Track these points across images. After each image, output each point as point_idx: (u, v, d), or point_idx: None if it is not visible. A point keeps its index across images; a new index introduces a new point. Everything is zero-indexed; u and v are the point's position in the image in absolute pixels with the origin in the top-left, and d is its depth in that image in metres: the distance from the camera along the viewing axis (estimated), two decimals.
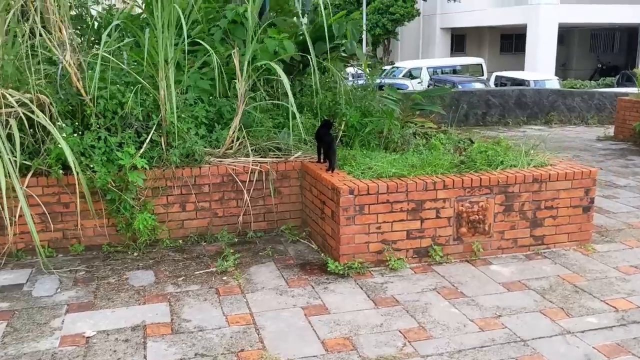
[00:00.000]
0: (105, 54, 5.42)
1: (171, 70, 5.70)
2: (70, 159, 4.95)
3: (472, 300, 4.43)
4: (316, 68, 7.45)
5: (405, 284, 4.72)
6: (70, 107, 5.45)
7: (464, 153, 5.66)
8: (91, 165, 5.16)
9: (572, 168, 5.40)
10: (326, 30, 7.66)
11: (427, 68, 28.63)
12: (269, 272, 4.98)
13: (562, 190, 5.31)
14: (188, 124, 5.66)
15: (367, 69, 8.63)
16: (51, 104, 5.25)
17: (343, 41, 8.19)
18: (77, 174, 4.96)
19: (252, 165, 5.72)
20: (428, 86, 24.69)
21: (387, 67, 30.93)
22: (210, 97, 6.14)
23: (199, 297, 4.49)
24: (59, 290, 4.64)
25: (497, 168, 5.36)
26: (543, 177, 5.23)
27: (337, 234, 4.94)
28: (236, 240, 5.76)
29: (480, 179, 5.10)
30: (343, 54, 8.46)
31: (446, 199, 5.07)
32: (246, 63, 5.76)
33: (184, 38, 5.16)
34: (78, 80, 5.35)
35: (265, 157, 5.90)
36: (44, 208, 5.23)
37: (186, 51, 5.60)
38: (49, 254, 5.35)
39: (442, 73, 28.77)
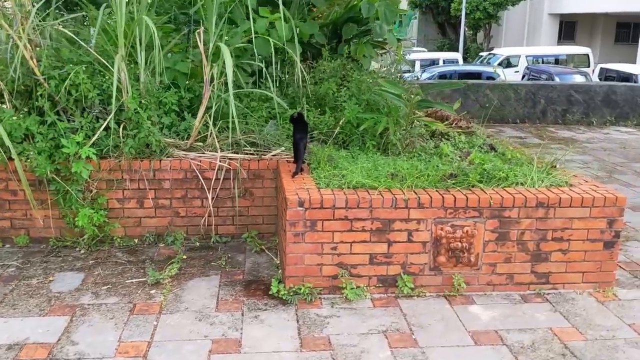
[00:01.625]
0: (63, 29, 4.93)
1: (140, 49, 5.12)
2: (7, 143, 4.52)
3: (422, 354, 3.53)
4: (327, 53, 6.67)
5: (353, 321, 3.89)
6: (24, 88, 4.99)
7: (462, 164, 4.67)
8: (30, 152, 4.68)
9: (592, 192, 4.28)
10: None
11: (526, 56, 26.62)
12: (207, 288, 4.31)
13: (577, 219, 4.22)
14: (150, 112, 5.06)
15: (403, 57, 7.67)
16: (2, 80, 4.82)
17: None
18: (14, 160, 4.53)
19: (220, 161, 5.04)
20: (522, 77, 22.82)
21: (484, 54, 29.11)
22: (188, 82, 5.49)
23: (108, 314, 3.91)
24: None
25: (497, 185, 4.34)
26: (551, 201, 4.17)
27: (284, 252, 4.17)
28: (198, 244, 5.13)
29: (467, 198, 4.13)
30: (379, 40, 7.58)
31: (421, 219, 4.15)
32: (212, 45, 5.04)
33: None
34: (31, 57, 4.87)
35: (238, 153, 5.19)
36: (28, 191, 4.82)
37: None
38: None
39: (542, 62, 26.66)
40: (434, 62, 24.67)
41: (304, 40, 7.32)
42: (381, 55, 7.93)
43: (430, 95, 7.35)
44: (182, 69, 5.41)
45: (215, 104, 5.24)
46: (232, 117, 4.69)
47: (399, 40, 7.72)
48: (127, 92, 4.99)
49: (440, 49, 36.29)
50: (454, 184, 4.34)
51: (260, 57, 5.67)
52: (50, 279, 4.42)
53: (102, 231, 4.96)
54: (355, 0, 7.52)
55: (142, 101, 4.99)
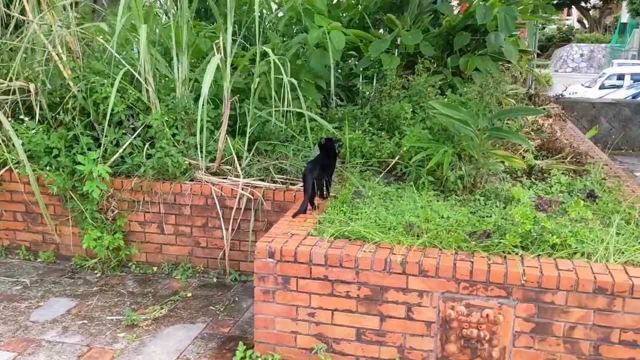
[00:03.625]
0: (101, 40, 4.70)
1: (178, 60, 4.71)
2: (22, 157, 4.40)
3: None
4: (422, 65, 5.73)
5: None
6: (60, 99, 4.85)
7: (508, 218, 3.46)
8: (45, 167, 4.51)
9: None
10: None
11: None
12: (179, 340, 3.71)
13: None
14: (177, 129, 4.61)
15: (531, 73, 6.36)
16: (37, 93, 4.74)
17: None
18: (24, 175, 4.40)
19: (242, 189, 4.41)
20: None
21: None
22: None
23: (54, 357, 3.50)
24: None
25: (550, 255, 3.11)
26: (618, 288, 2.84)
27: (254, 311, 3.41)
28: (215, 280, 4.58)
29: (489, 269, 2.98)
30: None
31: (424, 292, 3.10)
32: (229, 50, 4.39)
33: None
34: (64, 67, 4.71)
35: (264, 181, 4.51)
36: (25, 206, 4.81)
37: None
38: (26, 256, 4.92)
39: None
40: None
41: (408, 52, 6.42)
42: (506, 71, 6.63)
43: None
44: (223, 83, 4.86)
45: (250, 124, 4.61)
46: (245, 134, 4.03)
47: (523, 52, 6.40)
48: (156, 108, 4.60)
49: None
50: (484, 246, 3.20)
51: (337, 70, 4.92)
52: (40, 304, 4.17)
53: (117, 255, 4.62)
54: (474, 6, 6.39)
55: (168, 118, 4.55)
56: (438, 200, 4.02)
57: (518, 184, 4.40)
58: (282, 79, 4.28)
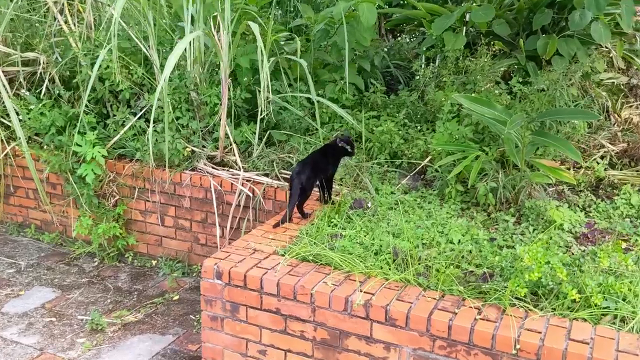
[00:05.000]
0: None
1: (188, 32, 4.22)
2: (19, 134, 4.15)
3: None
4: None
5: None
6: (70, 73, 4.54)
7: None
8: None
9: None
10: None
11: None
12: (137, 354, 3.29)
13: None
14: (181, 112, 4.14)
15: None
16: (47, 64, 4.47)
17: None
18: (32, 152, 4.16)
19: (241, 183, 3.89)
20: None
21: None
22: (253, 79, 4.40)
23: None
24: None
25: (572, 311, 2.32)
26: None
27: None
28: None
29: (472, 327, 2.25)
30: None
31: (392, 345, 2.42)
32: (228, 30, 3.81)
33: None
34: (74, 40, 4.38)
35: (268, 176, 3.95)
36: (38, 184, 4.58)
37: None
38: (34, 236, 4.73)
39: None
40: None
41: (481, 31, 5.52)
42: (599, 57, 5.52)
43: None
44: (242, 63, 4.30)
45: (264, 111, 4.04)
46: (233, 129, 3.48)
47: (620, 34, 5.27)
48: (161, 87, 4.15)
49: None
50: (480, 292, 2.45)
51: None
52: (21, 292, 3.92)
53: (114, 245, 4.28)
54: None
55: (171, 99, 4.09)
56: (459, 217, 3.26)
57: (577, 200, 3.50)
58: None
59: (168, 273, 4.14)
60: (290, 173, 3.39)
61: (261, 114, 4.05)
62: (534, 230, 3.07)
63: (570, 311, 2.33)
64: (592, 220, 3.22)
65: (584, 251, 2.82)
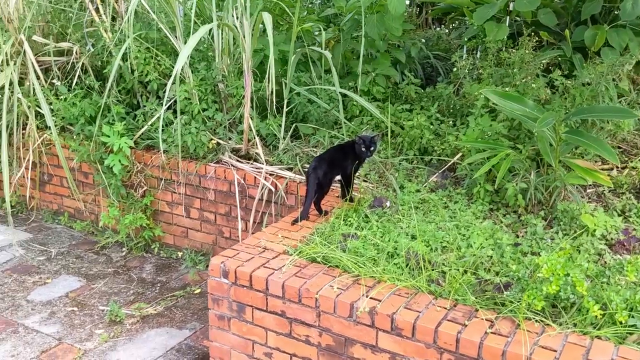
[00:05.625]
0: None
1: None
2: (50, 124, 4.20)
3: None
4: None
5: None
6: (101, 63, 4.56)
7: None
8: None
9: None
10: None
11: None
12: (152, 348, 3.27)
13: None
14: (207, 104, 4.09)
15: None
16: (80, 54, 4.50)
17: None
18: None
19: (264, 177, 3.81)
20: None
21: None
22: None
23: (14, 350, 3.24)
24: None
25: (595, 329, 2.14)
26: None
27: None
28: None
29: (481, 342, 2.10)
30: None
31: (397, 355, 2.29)
32: (249, 19, 3.71)
33: None
34: (106, 30, 4.39)
35: (292, 170, 3.86)
36: (67, 173, 4.64)
37: None
38: (67, 224, 4.80)
39: None
40: None
41: (527, 21, 5.27)
42: None
43: None
44: (269, 53, 4.20)
45: (290, 103, 3.96)
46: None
47: None
48: (189, 79, 4.12)
49: None
50: (496, 302, 2.29)
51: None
52: (48, 281, 3.97)
53: (141, 236, 4.29)
54: None
55: (197, 91, 4.04)
56: (485, 219, 3.09)
57: (615, 203, 3.27)
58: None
59: (191, 266, 4.11)
60: (307, 168, 3.29)
61: (287, 107, 3.95)
62: (564, 235, 2.87)
63: (594, 328, 2.15)
64: (630, 226, 2.98)
65: (617, 260, 2.61)
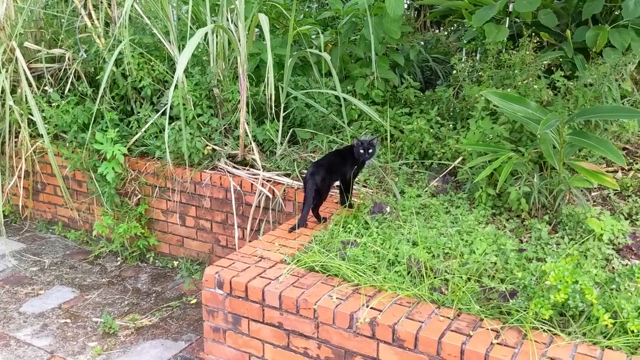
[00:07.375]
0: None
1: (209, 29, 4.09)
2: (42, 131, 4.11)
3: None
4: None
5: None
6: (94, 69, 4.48)
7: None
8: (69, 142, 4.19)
9: None
10: None
11: None
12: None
13: None
14: (202, 109, 4.01)
15: None
16: (72, 60, 4.42)
17: None
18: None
19: (261, 184, 3.73)
20: None
21: None
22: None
23: None
24: None
25: (605, 338, 2.05)
26: None
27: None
28: None
29: (487, 353, 2.01)
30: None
31: None
32: (244, 22, 3.63)
33: None
34: (99, 36, 4.31)
35: (290, 176, 3.77)
36: (61, 182, 4.55)
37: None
38: (61, 233, 4.71)
39: None
40: None
41: (527, 22, 5.19)
42: None
43: None
44: (265, 58, 4.13)
45: (287, 107, 3.87)
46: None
47: None
48: (183, 84, 4.03)
49: None
50: (501, 311, 2.20)
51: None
52: (41, 292, 3.87)
53: (135, 245, 4.20)
54: None
55: (192, 96, 3.96)
56: (488, 224, 3.00)
57: (621, 206, 3.18)
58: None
59: (187, 275, 4.02)
60: (305, 174, 3.20)
61: (284, 112, 3.87)
62: (570, 240, 2.78)
63: (604, 337, 2.06)
64: (638, 230, 2.89)
65: (626, 266, 2.53)
